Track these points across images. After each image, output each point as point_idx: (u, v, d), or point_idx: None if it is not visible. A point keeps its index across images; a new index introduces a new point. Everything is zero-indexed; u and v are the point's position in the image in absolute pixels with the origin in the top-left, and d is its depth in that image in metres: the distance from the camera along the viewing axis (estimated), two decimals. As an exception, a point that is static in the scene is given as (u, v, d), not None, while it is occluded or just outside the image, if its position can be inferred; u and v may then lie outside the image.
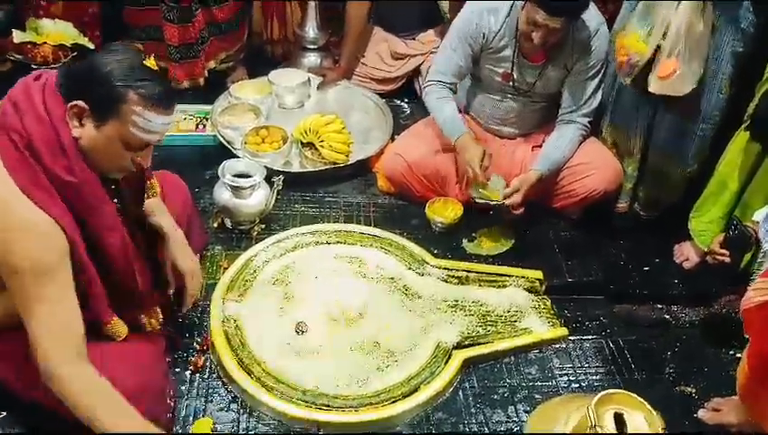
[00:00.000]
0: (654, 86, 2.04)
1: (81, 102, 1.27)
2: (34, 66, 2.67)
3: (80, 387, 1.30)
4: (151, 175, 1.66)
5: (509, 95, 2.32)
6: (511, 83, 2.27)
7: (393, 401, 1.71)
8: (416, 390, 1.75)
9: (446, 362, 1.84)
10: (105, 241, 1.40)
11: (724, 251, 1.97)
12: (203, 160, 2.51)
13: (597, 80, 2.25)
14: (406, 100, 3.03)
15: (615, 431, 1.31)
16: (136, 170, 1.44)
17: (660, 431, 1.30)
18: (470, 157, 2.22)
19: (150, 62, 1.33)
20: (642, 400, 1.36)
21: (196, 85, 2.87)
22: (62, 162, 1.28)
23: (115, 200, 1.46)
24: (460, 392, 1.81)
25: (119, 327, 1.49)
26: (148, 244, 1.63)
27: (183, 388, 1.73)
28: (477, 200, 2.24)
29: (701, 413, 1.81)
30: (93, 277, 1.39)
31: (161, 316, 1.63)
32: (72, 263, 1.32)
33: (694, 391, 1.90)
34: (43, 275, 1.26)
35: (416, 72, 2.97)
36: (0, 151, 1.26)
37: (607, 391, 1.37)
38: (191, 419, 1.66)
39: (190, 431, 1.63)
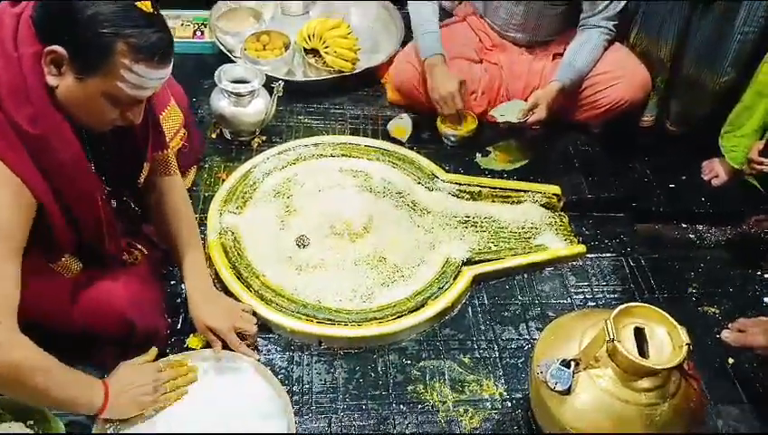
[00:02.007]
0: None
1: (59, 49, 1.08)
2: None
3: (20, 356, 1.13)
4: (166, 146, 1.47)
5: (527, -3, 2.13)
6: (530, -18, 2.07)
7: (398, 316, 1.63)
8: (422, 305, 1.67)
9: (456, 277, 1.74)
10: (76, 209, 1.24)
11: (763, 159, 1.83)
12: (201, 69, 2.35)
13: (623, -21, 2.05)
14: (418, 7, 2.83)
15: (635, 346, 1.21)
16: (126, 125, 1.23)
17: (684, 347, 1.19)
18: (445, 93, 2.05)
19: (145, 5, 1.12)
20: (666, 314, 1.25)
21: None
22: (25, 110, 1.10)
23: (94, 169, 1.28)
24: (469, 309, 1.72)
25: (70, 263, 1.35)
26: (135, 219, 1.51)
27: (179, 301, 1.65)
28: (498, 121, 2.10)
29: (725, 334, 1.70)
30: (61, 230, 1.24)
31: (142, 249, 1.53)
32: (37, 216, 1.18)
33: (717, 311, 1.81)
34: None
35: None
36: None
37: (627, 304, 1.26)
38: (188, 332, 1.59)
39: (186, 344, 1.56)
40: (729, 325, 1.72)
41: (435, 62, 2.09)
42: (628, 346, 1.21)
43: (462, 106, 2.10)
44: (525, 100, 2.13)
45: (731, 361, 1.67)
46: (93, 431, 1.32)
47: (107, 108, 1.16)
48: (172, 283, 1.69)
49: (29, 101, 1.10)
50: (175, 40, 2.39)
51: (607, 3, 2.07)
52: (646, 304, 1.27)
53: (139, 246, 1.53)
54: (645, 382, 1.23)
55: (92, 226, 1.31)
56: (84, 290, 1.36)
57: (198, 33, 2.49)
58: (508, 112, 2.12)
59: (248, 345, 1.51)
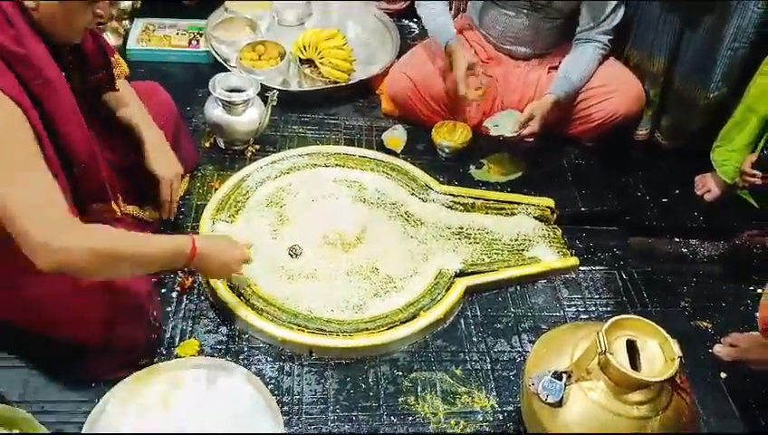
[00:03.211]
0: None
1: None
2: None
3: (91, 243, 1.16)
4: (114, 51, 1.55)
5: (524, 10, 2.14)
6: (526, -2, 2.09)
7: (390, 327, 1.62)
8: (414, 316, 1.66)
9: (448, 289, 1.74)
10: (62, 125, 1.27)
11: (756, 172, 1.84)
12: (196, 78, 2.35)
13: (619, -6, 2.06)
14: (414, 19, 2.82)
15: (627, 358, 1.21)
16: (96, 24, 1.34)
17: (676, 360, 1.19)
18: (456, 66, 2.07)
19: None
20: (658, 326, 1.24)
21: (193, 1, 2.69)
22: (8, 31, 1.16)
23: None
24: (462, 321, 1.72)
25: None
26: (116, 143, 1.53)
27: (169, 309, 1.64)
28: (492, 133, 2.10)
29: (717, 348, 1.72)
30: (53, 162, 1.25)
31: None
32: None
33: (710, 326, 1.81)
34: (3, 142, 1.12)
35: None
36: None
37: (619, 317, 1.26)
38: (177, 340, 1.58)
39: (175, 353, 1.55)
40: (722, 340, 1.73)
41: (454, 48, 2.10)
42: (620, 359, 1.20)
43: (463, 76, 2.08)
44: (521, 111, 2.14)
45: (723, 375, 1.67)
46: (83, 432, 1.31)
47: (81, 8, 1.24)
48: (163, 291, 1.68)
49: (10, 24, 1.16)
50: (170, 49, 2.44)
51: (603, 17, 2.09)
52: (638, 317, 1.27)
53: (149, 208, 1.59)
54: (637, 395, 1.22)
55: (82, 148, 1.32)
56: (63, 287, 1.33)
57: (194, 43, 2.49)
58: (502, 123, 2.12)
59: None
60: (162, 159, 1.60)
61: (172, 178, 1.61)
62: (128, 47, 2.42)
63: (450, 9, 2.25)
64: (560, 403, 1.24)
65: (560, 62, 2.18)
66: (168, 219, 1.70)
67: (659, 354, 1.23)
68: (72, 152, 1.31)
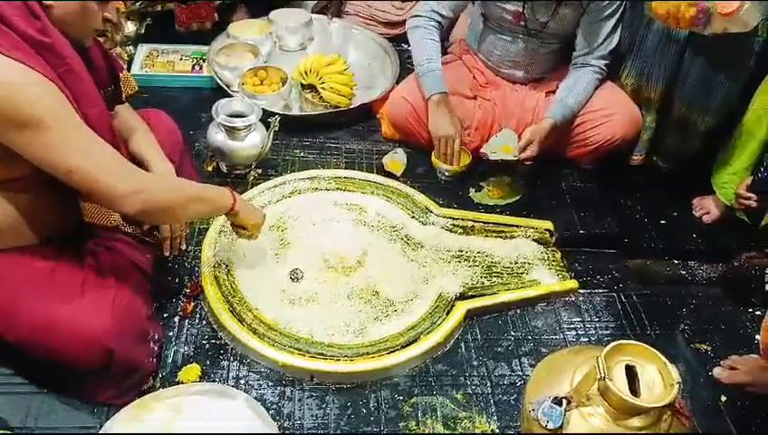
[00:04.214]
0: (716, 26, 1.86)
1: None
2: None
3: (162, 187, 1.41)
4: (123, 68, 1.60)
5: (520, 36, 2.17)
6: (522, 23, 2.12)
7: (391, 352, 1.63)
8: (415, 340, 1.67)
9: (448, 312, 1.75)
10: (83, 108, 1.31)
11: (751, 195, 1.86)
12: (199, 103, 2.39)
13: (615, 19, 2.09)
14: (413, 44, 2.88)
15: (626, 384, 1.22)
16: (104, 27, 1.38)
17: (675, 385, 1.20)
18: (443, 134, 2.12)
19: None
20: (656, 352, 1.25)
21: (203, 28, 2.72)
22: (34, 24, 1.22)
23: None
24: (462, 344, 1.72)
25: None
26: None
27: (171, 334, 1.65)
28: (492, 158, 2.12)
29: (716, 371, 1.72)
30: None
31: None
32: None
33: (709, 348, 1.81)
34: (62, 120, 1.22)
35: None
36: None
37: (618, 342, 1.27)
38: (179, 365, 1.58)
39: (178, 378, 1.55)
40: (721, 363, 1.73)
41: (438, 101, 2.13)
42: (620, 384, 1.21)
43: (458, 149, 2.14)
44: (518, 134, 2.16)
45: (723, 398, 1.67)
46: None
47: (94, 9, 1.32)
48: (165, 315, 1.69)
49: (35, 16, 1.22)
50: (174, 74, 2.47)
51: (598, 42, 2.12)
52: (637, 342, 1.28)
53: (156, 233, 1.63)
54: (636, 421, 1.23)
55: (108, 135, 1.38)
56: (63, 303, 1.34)
57: (197, 68, 2.53)
58: (500, 146, 2.14)
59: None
60: None
61: None
62: (132, 72, 2.46)
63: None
64: (560, 429, 1.24)
65: (557, 86, 2.22)
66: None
67: (659, 379, 1.24)
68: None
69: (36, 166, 1.25)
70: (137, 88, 1.65)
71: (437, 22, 2.20)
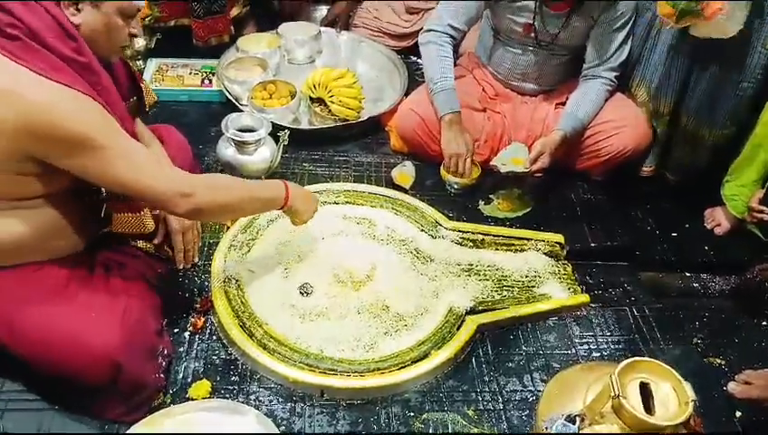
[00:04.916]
0: (697, 29, 1.86)
1: None
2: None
3: (212, 187, 1.45)
4: (142, 79, 1.62)
5: (530, 48, 2.18)
6: (533, 35, 2.12)
7: (401, 367, 1.62)
8: (425, 356, 1.65)
9: (459, 327, 1.73)
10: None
11: (763, 208, 1.85)
12: (208, 117, 2.40)
13: (625, 31, 2.09)
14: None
15: (640, 402, 1.20)
16: (128, 43, 1.45)
17: (690, 403, 1.18)
18: (453, 152, 2.12)
19: None
20: (671, 369, 1.24)
21: (221, 42, 2.74)
22: (70, 44, 1.26)
23: None
24: (473, 359, 1.71)
25: (148, 219, 1.49)
26: None
27: (181, 349, 1.65)
28: (502, 171, 2.12)
29: (731, 386, 1.68)
30: None
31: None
32: None
33: (723, 362, 1.79)
34: (111, 136, 1.27)
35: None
36: (1, 50, 1.19)
37: (632, 359, 1.25)
38: (189, 381, 1.58)
39: (188, 394, 1.55)
40: (735, 377, 1.71)
41: (451, 120, 2.13)
42: (634, 402, 1.20)
43: (468, 168, 2.14)
44: (528, 147, 2.16)
45: (738, 414, 1.64)
46: None
47: (119, 26, 1.35)
48: (176, 331, 1.69)
49: (70, 37, 1.26)
50: (183, 88, 2.49)
51: (608, 54, 2.12)
52: (651, 359, 1.26)
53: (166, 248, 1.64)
54: (651, 439, 1.21)
55: None
56: (70, 323, 1.35)
57: (206, 82, 2.54)
58: (510, 159, 2.14)
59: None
60: None
61: (184, 231, 1.60)
62: (141, 87, 2.47)
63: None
64: (573, 447, 1.23)
65: (567, 98, 2.22)
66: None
67: (673, 397, 1.22)
68: None
69: (76, 181, 1.31)
70: (157, 98, 1.68)
71: (451, 36, 2.20)
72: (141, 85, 1.60)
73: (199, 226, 1.70)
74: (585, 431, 1.23)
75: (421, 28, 2.83)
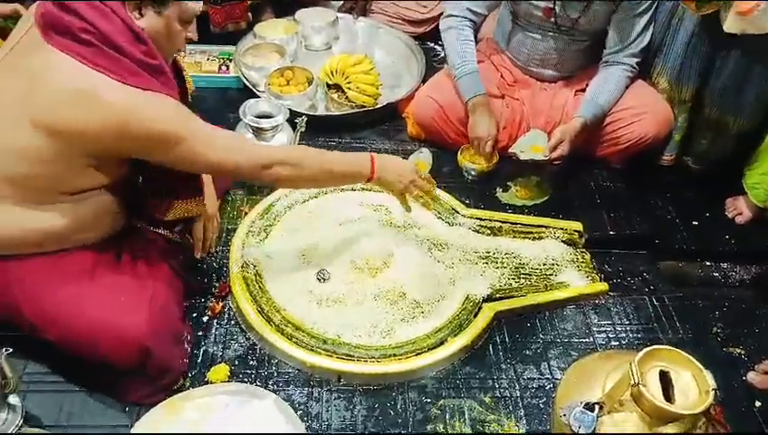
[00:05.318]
0: (730, 24, 1.82)
1: None
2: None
3: (290, 160, 1.49)
4: (184, 69, 1.64)
5: (550, 33, 2.15)
6: (552, 19, 2.09)
7: (418, 353, 1.62)
8: (442, 342, 1.65)
9: (476, 314, 1.73)
10: None
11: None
12: (225, 103, 2.41)
13: (647, 16, 2.06)
14: (440, 42, 2.83)
15: (660, 390, 1.19)
16: (185, 47, 1.46)
17: (711, 392, 1.17)
18: (480, 134, 2.10)
19: None
20: (691, 358, 1.23)
21: (238, 29, 2.74)
22: (142, 48, 1.28)
23: None
24: (490, 347, 1.71)
25: (194, 205, 1.55)
26: None
27: (200, 333, 1.66)
28: (521, 158, 2.10)
29: (751, 376, 1.68)
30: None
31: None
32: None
33: (743, 352, 1.77)
34: (193, 128, 1.32)
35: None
36: (71, 54, 1.21)
37: (652, 347, 1.24)
38: (208, 365, 1.59)
39: (207, 377, 1.57)
40: (755, 367, 1.70)
41: (476, 104, 2.12)
42: (654, 390, 1.19)
43: (490, 151, 2.12)
44: (547, 134, 2.14)
45: (758, 404, 1.63)
46: None
47: (179, 31, 1.37)
48: (194, 315, 1.70)
49: (141, 41, 1.28)
50: (201, 74, 2.48)
51: (630, 40, 2.08)
52: (671, 348, 1.25)
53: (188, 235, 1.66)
54: (670, 428, 1.20)
55: None
56: (102, 302, 1.38)
57: (224, 68, 2.55)
58: (529, 146, 2.12)
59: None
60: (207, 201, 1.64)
61: (206, 220, 1.65)
62: (160, 73, 2.48)
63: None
64: (592, 435, 1.23)
65: (587, 85, 2.19)
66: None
67: (693, 386, 1.21)
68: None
69: (122, 175, 1.40)
70: (194, 89, 1.69)
71: (471, 21, 2.18)
72: (184, 75, 1.60)
73: (219, 217, 1.74)
74: (604, 419, 1.23)
75: (440, 14, 2.82)
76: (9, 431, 1.36)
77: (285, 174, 1.48)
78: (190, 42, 1.44)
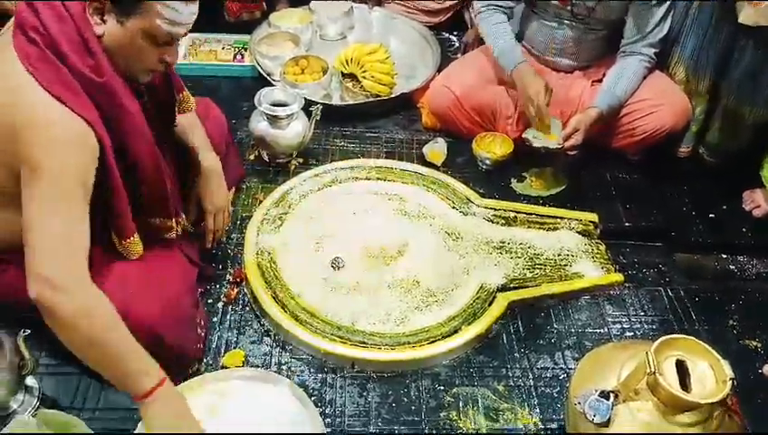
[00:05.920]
0: (745, 16, 1.80)
1: None
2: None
3: (77, 310, 1.15)
4: (183, 87, 1.59)
5: (566, 21, 2.13)
6: (569, 8, 2.07)
7: (432, 341, 1.62)
8: (456, 331, 1.66)
9: (490, 304, 1.73)
10: (133, 146, 1.32)
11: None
12: (240, 92, 2.41)
13: (665, 6, 2.03)
14: (455, 33, 2.84)
15: (677, 379, 1.19)
16: (163, 70, 1.35)
17: (728, 382, 1.16)
18: (533, 91, 2.03)
19: None
20: (709, 347, 1.22)
21: (253, 18, 2.74)
22: (88, 61, 1.20)
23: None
24: (504, 336, 1.71)
25: (135, 246, 1.41)
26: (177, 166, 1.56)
27: (215, 319, 1.68)
28: (534, 144, 2.08)
29: (766, 369, 1.66)
30: (118, 185, 1.30)
31: (186, 222, 1.61)
32: (99, 167, 1.24)
33: (759, 345, 1.76)
34: (63, 179, 1.16)
35: (467, 2, 2.78)
36: (19, 51, 1.17)
37: (668, 336, 1.23)
38: (222, 350, 1.61)
39: (221, 363, 1.58)
40: (772, 360, 1.68)
41: (519, 70, 2.09)
42: (670, 379, 1.18)
43: (544, 104, 2.04)
44: (563, 123, 2.12)
45: (774, 397, 1.62)
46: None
47: (146, 49, 1.24)
48: (209, 301, 1.71)
49: (90, 53, 1.20)
50: (216, 63, 2.48)
51: (648, 29, 2.06)
52: (687, 337, 1.24)
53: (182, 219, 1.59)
54: (686, 417, 1.20)
55: (152, 174, 1.38)
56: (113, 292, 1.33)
57: (239, 57, 2.55)
58: (543, 133, 2.10)
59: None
60: (212, 191, 1.64)
61: (216, 212, 1.66)
62: (175, 62, 2.49)
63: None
64: (607, 423, 1.22)
65: (604, 75, 2.17)
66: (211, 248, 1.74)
67: (710, 375, 1.20)
68: (140, 168, 1.35)
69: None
70: (194, 107, 1.65)
71: (500, 8, 2.18)
72: (179, 96, 1.57)
73: (230, 208, 1.74)
74: (619, 407, 1.22)
75: (455, 3, 2.81)
76: (26, 412, 1.38)
77: (64, 310, 1.13)
78: (170, 65, 1.33)
